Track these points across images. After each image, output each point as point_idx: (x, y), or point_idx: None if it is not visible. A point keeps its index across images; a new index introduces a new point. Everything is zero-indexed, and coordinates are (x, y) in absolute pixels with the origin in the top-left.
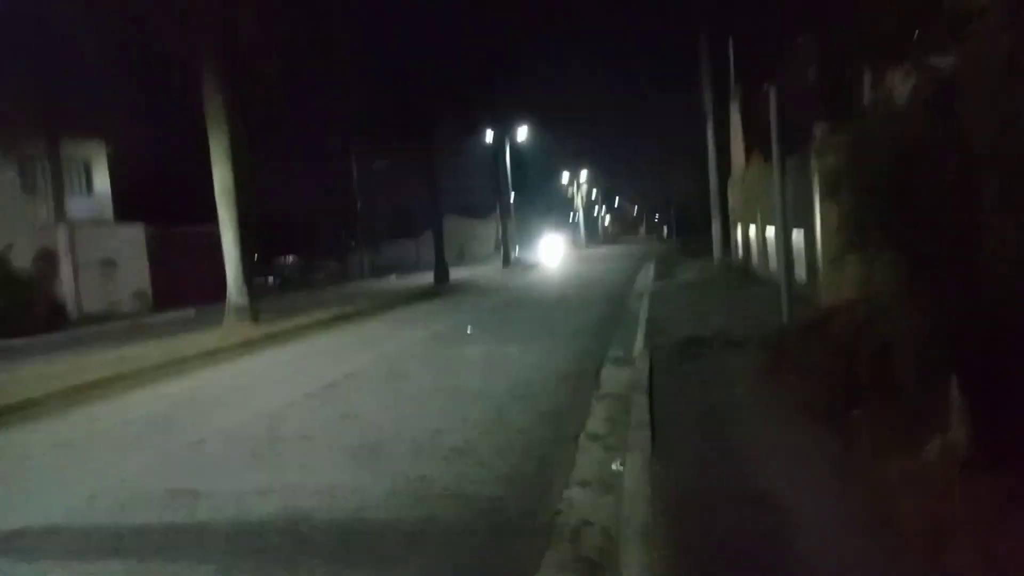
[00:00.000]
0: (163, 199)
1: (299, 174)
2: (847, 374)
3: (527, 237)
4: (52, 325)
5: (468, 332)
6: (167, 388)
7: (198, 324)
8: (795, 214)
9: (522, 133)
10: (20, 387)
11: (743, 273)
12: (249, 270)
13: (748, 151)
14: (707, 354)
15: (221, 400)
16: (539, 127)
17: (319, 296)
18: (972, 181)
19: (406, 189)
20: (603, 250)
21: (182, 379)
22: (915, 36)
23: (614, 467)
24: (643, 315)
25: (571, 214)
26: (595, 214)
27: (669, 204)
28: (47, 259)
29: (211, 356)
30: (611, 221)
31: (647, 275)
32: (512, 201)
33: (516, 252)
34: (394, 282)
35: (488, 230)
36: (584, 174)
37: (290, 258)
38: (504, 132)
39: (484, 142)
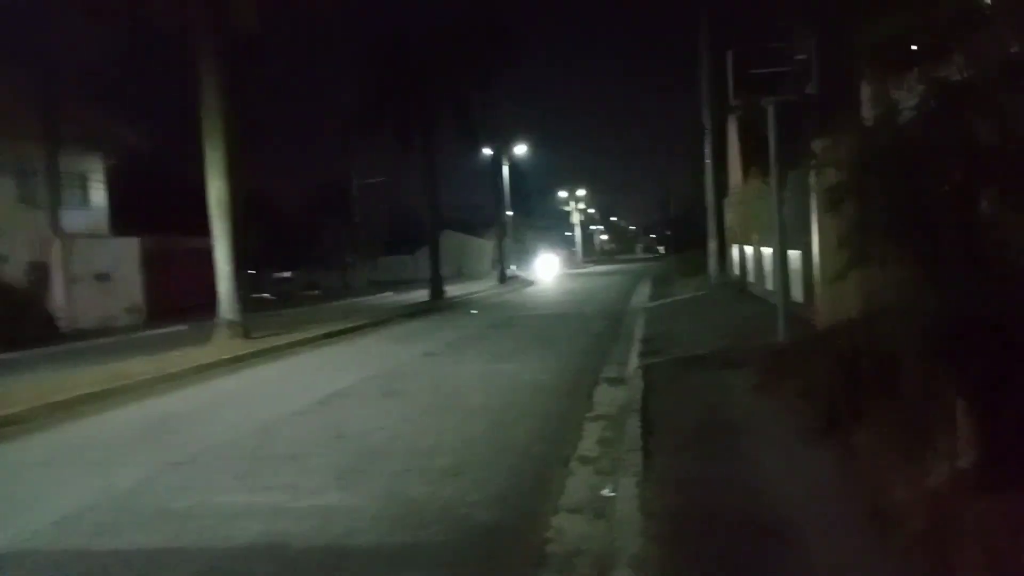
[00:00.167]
0: (161, 210)
1: (297, 189)
2: (847, 393)
3: (524, 254)
4: (44, 338)
5: (462, 349)
6: (154, 405)
7: (191, 339)
8: (792, 232)
9: (520, 150)
10: (3, 402)
11: (739, 291)
12: (242, 285)
13: (746, 168)
14: (703, 373)
15: (209, 418)
16: (538, 144)
17: (315, 312)
18: (981, 188)
19: (404, 204)
20: (600, 267)
21: (170, 396)
22: (918, 43)
23: (605, 493)
24: (638, 333)
25: (568, 231)
26: (592, 231)
27: (666, 221)
28: (41, 272)
29: (201, 372)
30: (608, 238)
31: (643, 293)
32: (510, 218)
33: (513, 269)
34: (390, 298)
35: (486, 246)
36: (581, 191)
37: (287, 273)
38: (502, 149)
39: (483, 159)
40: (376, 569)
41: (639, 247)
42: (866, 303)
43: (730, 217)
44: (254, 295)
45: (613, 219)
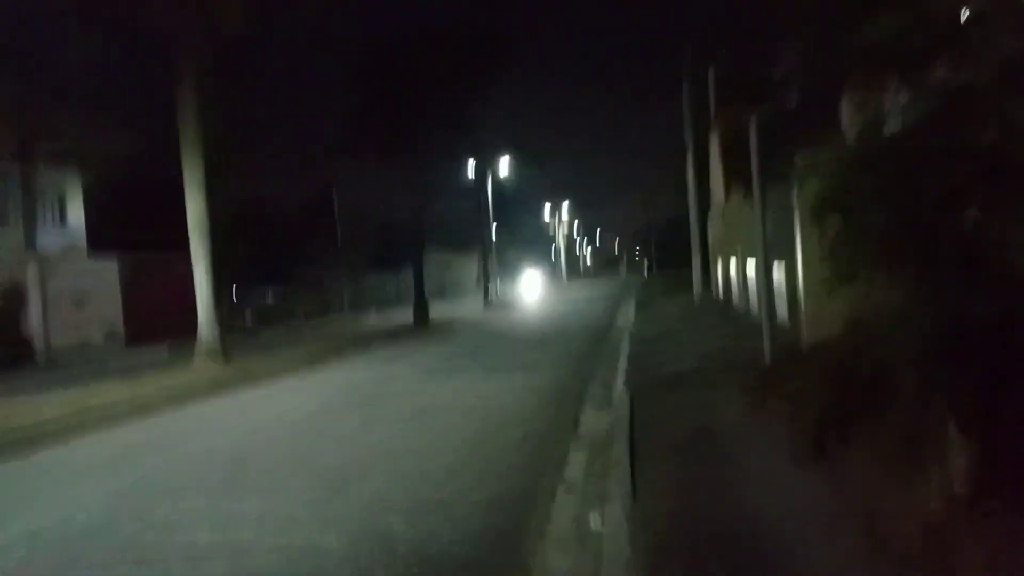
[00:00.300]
0: (141, 227)
1: (282, 206)
2: (835, 414)
3: (509, 272)
4: (18, 363)
5: (446, 373)
6: (125, 434)
7: (169, 363)
8: (776, 248)
9: (504, 168)
10: None
11: (724, 309)
12: (222, 307)
13: (728, 184)
14: (689, 393)
15: (178, 448)
16: (521, 162)
17: (297, 333)
18: (980, 194)
19: (389, 221)
20: (584, 285)
21: (143, 424)
22: (910, 45)
23: (592, 524)
24: (623, 353)
25: (552, 249)
26: (576, 249)
27: (650, 239)
28: (15, 294)
29: (177, 399)
30: (592, 256)
31: (628, 311)
32: (494, 236)
33: (497, 287)
34: (374, 318)
35: (470, 264)
36: (565, 209)
37: (269, 293)
38: (486, 168)
39: (467, 176)
40: None
41: (623, 264)
42: (853, 319)
43: (713, 233)
44: (237, 314)
45: (598, 236)
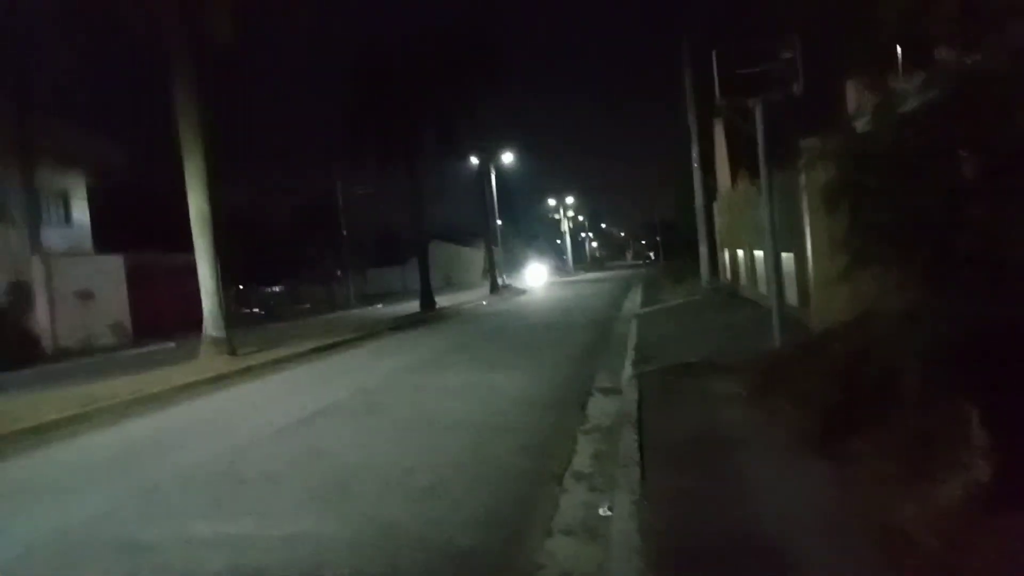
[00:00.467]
0: (146, 227)
1: (284, 202)
2: (846, 401)
3: (515, 263)
4: (25, 359)
5: (451, 361)
6: (131, 427)
7: (176, 357)
8: (784, 234)
9: (508, 159)
10: None
11: (731, 296)
12: (227, 301)
13: (734, 171)
14: (697, 382)
15: (186, 440)
16: (525, 153)
17: (303, 326)
18: (995, 183)
19: (392, 215)
20: (590, 275)
21: (150, 417)
22: (919, 33)
23: (601, 512)
24: (631, 341)
25: (558, 239)
26: (582, 239)
27: (656, 227)
28: (22, 292)
29: (183, 392)
30: (598, 245)
31: (634, 300)
32: (499, 227)
33: (503, 278)
34: (379, 311)
35: (476, 256)
36: (570, 199)
37: (276, 287)
38: (490, 158)
39: (471, 167)
40: None
41: (629, 253)
42: (865, 307)
43: (720, 220)
44: (243, 310)
45: (603, 226)
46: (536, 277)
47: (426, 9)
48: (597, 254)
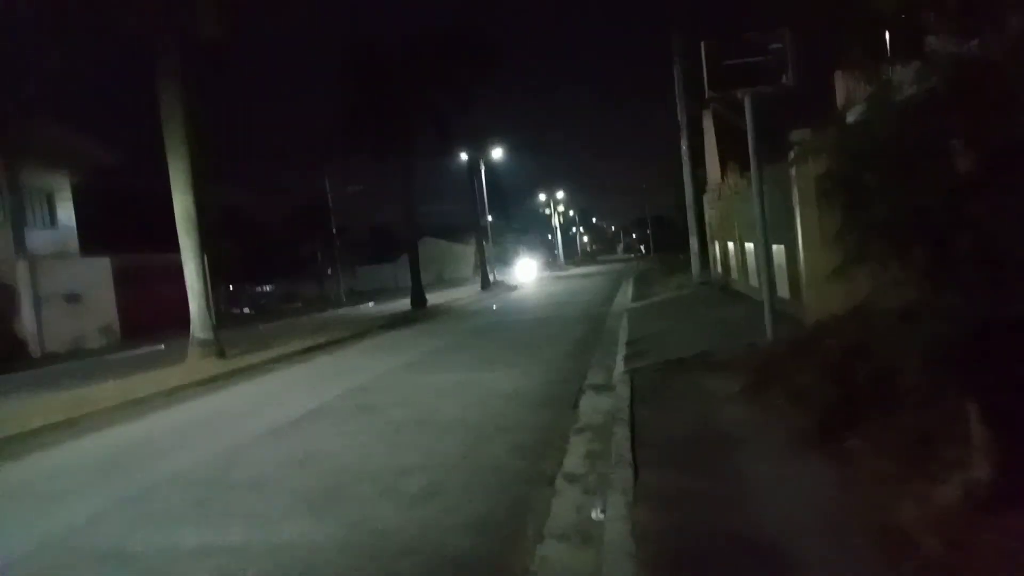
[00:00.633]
0: (134, 227)
1: (276, 201)
2: (842, 398)
3: (506, 258)
4: (11, 364)
5: (442, 359)
6: (117, 433)
7: (165, 359)
8: (775, 227)
9: (497, 154)
10: None
11: (723, 289)
12: (215, 301)
13: (724, 164)
14: (690, 377)
15: (172, 445)
16: (515, 148)
17: (294, 325)
18: (995, 177)
19: (385, 211)
20: (581, 269)
21: (135, 422)
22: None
23: (594, 515)
24: (622, 337)
25: (549, 234)
26: (573, 233)
27: (646, 221)
28: (6, 295)
29: (170, 396)
30: (589, 240)
31: (625, 294)
32: (490, 222)
33: (495, 274)
34: (371, 308)
35: (467, 252)
36: (561, 194)
37: (267, 286)
38: (480, 154)
39: (460, 163)
40: None
41: (620, 247)
42: (859, 301)
43: (710, 214)
44: (233, 310)
45: (594, 220)
46: (527, 272)
47: (420, 6)
48: (588, 248)
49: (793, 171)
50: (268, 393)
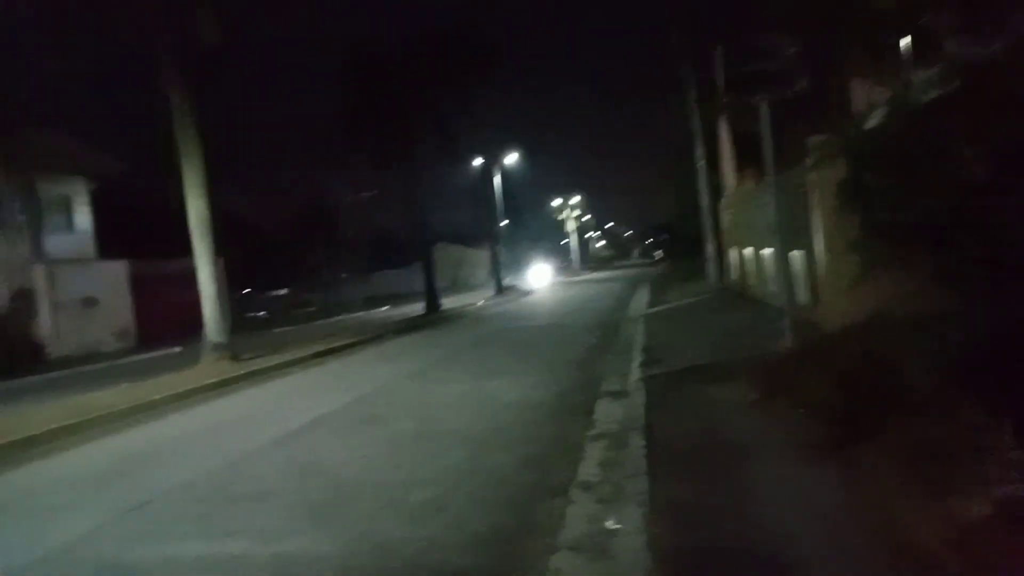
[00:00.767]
0: (150, 233)
1: (285, 207)
2: (861, 408)
3: (520, 263)
4: (29, 367)
5: (455, 365)
6: (127, 438)
7: (179, 363)
8: (792, 233)
9: (512, 159)
10: None
11: (739, 295)
12: (228, 305)
13: (739, 169)
14: (706, 385)
15: (179, 453)
16: (531, 153)
17: (306, 330)
18: (1013, 181)
19: (398, 217)
20: (596, 274)
21: (146, 427)
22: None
23: (608, 526)
24: (638, 343)
25: (564, 239)
26: (588, 238)
27: (661, 226)
28: (24, 299)
29: (182, 399)
30: (604, 245)
31: (641, 300)
32: (504, 227)
33: (508, 279)
34: (384, 313)
35: (481, 257)
36: (576, 198)
37: (282, 291)
38: (493, 159)
39: (474, 169)
40: None
41: (636, 253)
42: (878, 306)
43: (726, 219)
44: (246, 314)
45: (609, 225)
46: (542, 277)
47: (421, 6)
48: (603, 253)
49: (810, 176)
50: (277, 398)
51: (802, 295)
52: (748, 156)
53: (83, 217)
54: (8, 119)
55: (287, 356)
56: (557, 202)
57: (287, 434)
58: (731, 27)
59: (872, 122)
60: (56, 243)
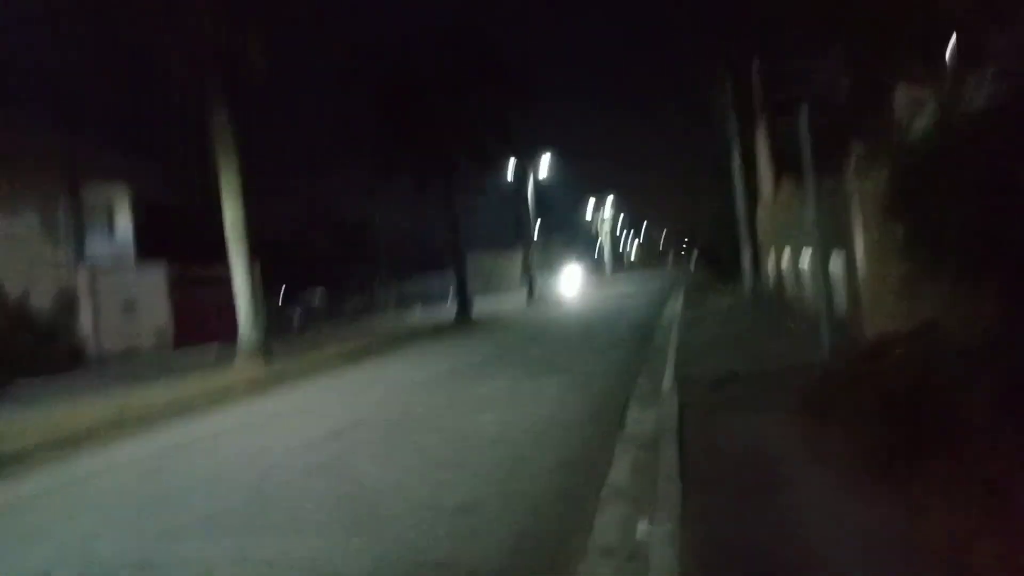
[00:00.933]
0: (188, 238)
1: (319, 214)
2: (910, 427)
3: (553, 268)
4: (70, 366)
5: (487, 369)
6: (160, 436)
7: (213, 365)
8: (832, 239)
9: (545, 165)
10: (6, 438)
11: (776, 303)
12: (262, 308)
13: (777, 175)
14: (742, 394)
15: (211, 451)
16: (564, 157)
17: (342, 331)
18: None
19: (432, 221)
20: (629, 279)
21: (180, 425)
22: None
23: (639, 531)
24: (672, 349)
25: (597, 244)
26: (621, 242)
27: (696, 232)
28: (67, 301)
29: (216, 399)
30: (638, 250)
31: (675, 306)
32: (537, 233)
33: (541, 284)
34: (417, 316)
35: (514, 261)
36: (610, 203)
37: (318, 292)
38: (527, 167)
39: (507, 175)
40: None
41: (670, 258)
42: (923, 317)
43: (763, 225)
44: (282, 316)
45: (643, 229)
46: (574, 282)
47: (450, 20)
48: (637, 258)
49: (852, 182)
50: (309, 400)
51: (841, 304)
52: (786, 162)
53: (124, 221)
54: (56, 128)
55: (319, 358)
56: (590, 206)
57: (317, 435)
58: (770, 28)
59: (920, 127)
60: (97, 247)
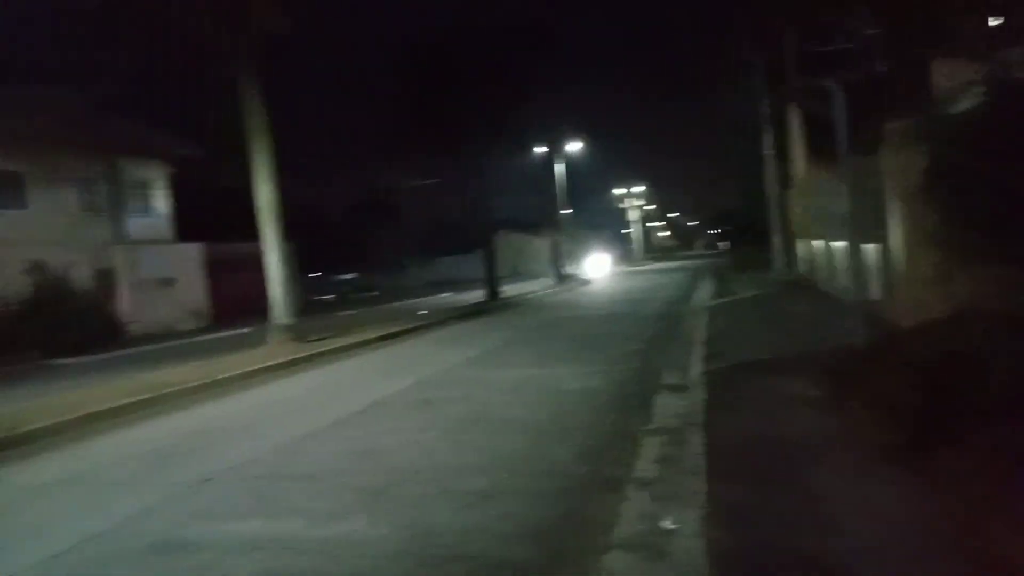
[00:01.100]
0: (224, 217)
1: (346, 195)
2: (937, 409)
3: (581, 252)
4: (108, 343)
5: (514, 352)
6: (190, 415)
7: (248, 343)
8: (866, 224)
9: (575, 148)
10: (40, 415)
11: (807, 288)
12: (295, 288)
13: (809, 158)
14: (771, 381)
15: (240, 430)
16: (594, 141)
17: (371, 313)
18: None
19: (459, 202)
20: (659, 265)
21: (211, 404)
22: None
23: (664, 525)
24: (700, 335)
25: (626, 228)
26: (650, 227)
27: (727, 216)
28: (106, 278)
29: (247, 378)
30: (668, 234)
31: (704, 291)
32: (566, 216)
33: (569, 268)
34: (446, 299)
35: (542, 245)
36: (639, 187)
37: (348, 275)
38: (556, 149)
39: (537, 158)
40: None
41: (700, 243)
42: (958, 302)
43: (795, 209)
44: (314, 297)
45: (672, 215)
46: (602, 266)
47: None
48: (666, 243)
49: (888, 163)
50: (338, 380)
51: (876, 289)
52: (819, 144)
53: (161, 200)
54: (94, 106)
55: (351, 339)
56: (620, 191)
57: (347, 416)
58: (803, 6)
59: (961, 104)
60: (135, 225)
